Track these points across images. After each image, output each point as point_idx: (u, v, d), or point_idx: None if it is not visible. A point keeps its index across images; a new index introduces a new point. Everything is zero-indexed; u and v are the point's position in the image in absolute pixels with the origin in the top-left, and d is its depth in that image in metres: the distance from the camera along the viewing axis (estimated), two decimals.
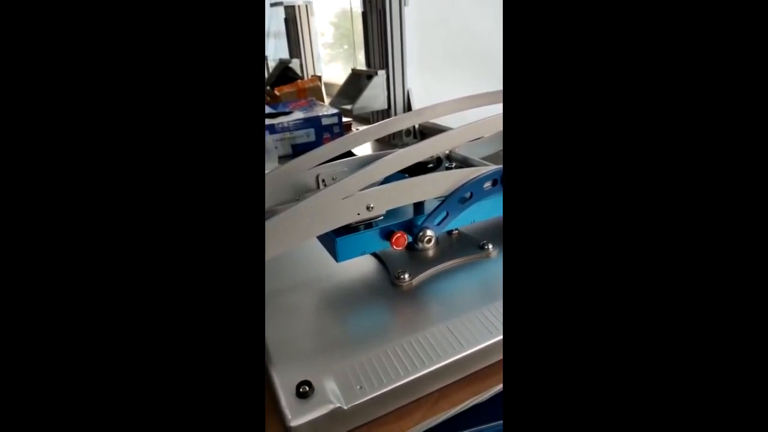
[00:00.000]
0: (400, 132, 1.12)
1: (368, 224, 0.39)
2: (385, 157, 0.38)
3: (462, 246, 0.45)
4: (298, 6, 1.65)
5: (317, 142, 1.13)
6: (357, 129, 1.30)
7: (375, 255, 0.45)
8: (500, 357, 0.34)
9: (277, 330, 0.36)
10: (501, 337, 0.34)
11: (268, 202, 0.42)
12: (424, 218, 0.40)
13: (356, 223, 0.38)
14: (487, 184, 0.41)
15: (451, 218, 0.41)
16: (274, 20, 1.96)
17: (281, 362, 0.32)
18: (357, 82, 1.23)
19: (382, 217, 0.39)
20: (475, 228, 0.48)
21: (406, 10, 1.11)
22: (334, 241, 0.38)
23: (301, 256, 0.47)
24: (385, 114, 1.21)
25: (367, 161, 0.42)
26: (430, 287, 0.40)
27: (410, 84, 1.20)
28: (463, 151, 0.50)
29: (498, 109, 0.44)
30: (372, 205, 0.36)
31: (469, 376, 0.33)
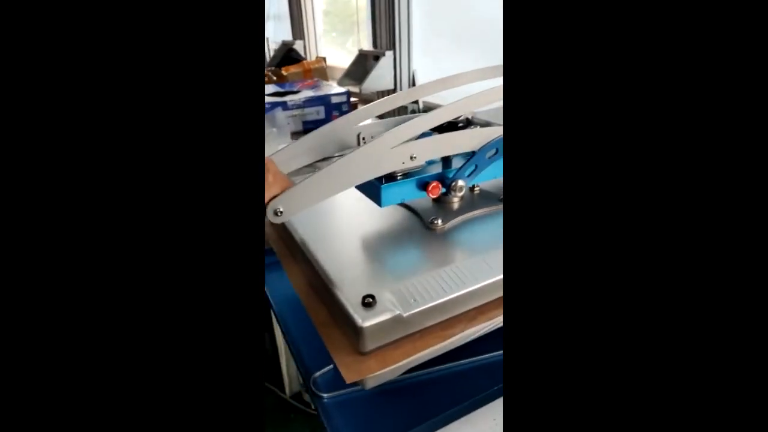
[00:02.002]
0: (405, 109, 1.16)
1: (405, 175, 0.45)
2: (423, 115, 0.43)
3: (483, 199, 0.51)
4: None
5: (327, 119, 1.18)
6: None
7: (406, 206, 0.51)
8: None
9: (333, 263, 0.41)
10: None
11: (320, 154, 0.48)
12: (455, 171, 0.46)
13: (399, 171, 0.43)
14: None
15: (479, 171, 0.47)
16: (275, 2, 1.97)
17: (343, 284, 0.38)
18: (363, 62, 1.28)
19: (421, 168, 0.45)
20: (494, 184, 0.53)
21: None
22: (378, 188, 0.43)
23: (341, 212, 0.52)
24: (391, 93, 1.26)
25: (401, 122, 0.48)
26: (461, 231, 0.46)
27: (415, 65, 1.25)
28: (483, 116, 0.55)
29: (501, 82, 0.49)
30: (415, 155, 0.42)
31: (501, 298, 0.39)
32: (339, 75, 1.43)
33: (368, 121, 0.54)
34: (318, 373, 0.45)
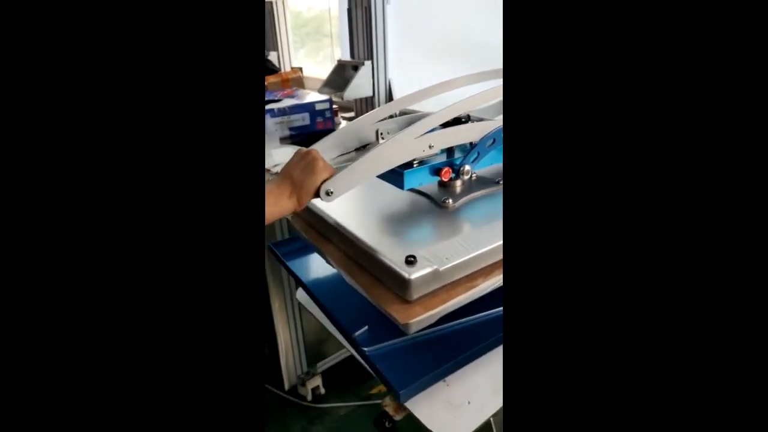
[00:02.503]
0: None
1: (420, 163, 0.54)
2: (435, 113, 0.52)
3: (481, 183, 0.61)
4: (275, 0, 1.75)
5: (311, 125, 1.25)
6: (342, 115, 1.43)
7: (417, 191, 0.60)
8: None
9: (371, 236, 0.49)
10: None
11: (345, 148, 0.56)
12: (462, 158, 0.55)
13: (416, 159, 0.52)
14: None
15: (481, 158, 0.56)
16: None
17: (385, 250, 0.46)
18: (342, 72, 1.36)
19: (435, 155, 0.54)
20: (488, 171, 0.63)
21: (388, 7, 1.25)
22: (401, 174, 0.52)
23: (362, 199, 0.60)
24: (369, 101, 1.35)
25: (414, 120, 0.56)
26: (469, 207, 0.56)
27: (390, 74, 1.35)
28: (478, 113, 0.65)
29: (481, 87, 0.59)
30: (432, 145, 0.51)
31: None
32: (312, 84, 1.51)
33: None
34: (356, 334, 0.52)
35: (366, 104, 1.37)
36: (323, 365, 1.24)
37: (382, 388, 1.26)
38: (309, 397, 1.20)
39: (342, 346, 1.30)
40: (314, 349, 1.22)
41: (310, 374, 1.19)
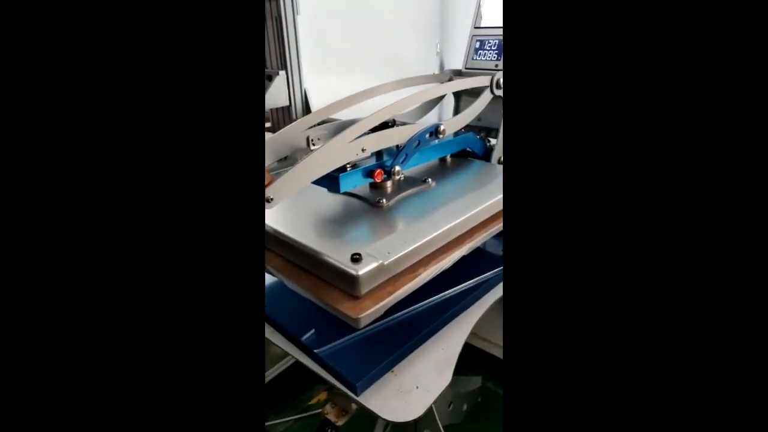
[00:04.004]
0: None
1: (353, 167, 0.56)
2: (365, 119, 0.55)
3: (410, 182, 0.65)
4: None
5: None
6: None
7: (351, 194, 0.62)
8: (459, 233, 0.55)
9: (314, 239, 0.50)
10: (452, 224, 0.54)
11: (277, 156, 0.56)
12: (392, 160, 0.59)
13: (350, 163, 0.55)
14: (427, 136, 0.61)
15: (409, 158, 0.60)
16: None
17: (329, 251, 0.47)
18: None
19: (366, 159, 0.56)
20: (413, 171, 0.67)
21: (298, 18, 1.26)
22: (337, 178, 0.54)
23: (298, 204, 0.61)
24: (285, 111, 1.34)
25: (342, 126, 0.59)
26: (401, 205, 0.59)
27: (306, 83, 1.36)
28: (401, 118, 0.69)
29: (401, 94, 0.63)
30: (365, 148, 0.53)
31: (441, 248, 0.53)
32: None
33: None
34: (304, 337, 0.53)
35: (283, 114, 1.36)
36: None
37: (321, 396, 1.25)
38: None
39: (275, 362, 1.27)
40: None
41: None
